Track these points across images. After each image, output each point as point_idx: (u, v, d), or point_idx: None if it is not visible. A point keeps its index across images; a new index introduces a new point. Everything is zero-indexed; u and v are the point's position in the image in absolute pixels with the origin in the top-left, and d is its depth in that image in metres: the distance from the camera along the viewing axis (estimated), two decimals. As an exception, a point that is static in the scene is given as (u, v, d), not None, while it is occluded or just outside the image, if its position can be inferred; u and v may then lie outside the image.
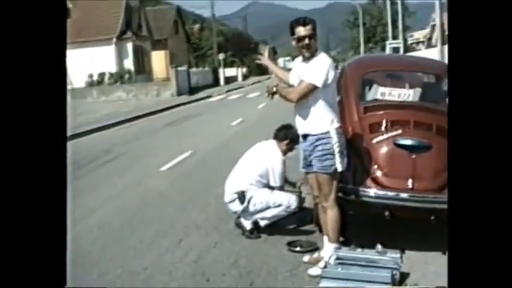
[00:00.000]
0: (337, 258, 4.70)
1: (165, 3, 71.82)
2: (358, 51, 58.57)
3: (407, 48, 44.58)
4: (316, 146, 4.84)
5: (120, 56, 36.93)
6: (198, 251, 5.67)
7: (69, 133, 13.01)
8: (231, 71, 57.86)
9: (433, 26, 50.15)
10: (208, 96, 34.53)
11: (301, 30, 4.75)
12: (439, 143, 5.05)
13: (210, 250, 5.69)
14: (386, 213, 5.08)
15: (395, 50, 37.42)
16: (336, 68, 5.19)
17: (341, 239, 5.12)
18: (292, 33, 4.80)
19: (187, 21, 67.03)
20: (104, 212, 7.61)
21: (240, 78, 58.60)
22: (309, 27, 4.74)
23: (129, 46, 37.58)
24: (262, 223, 5.97)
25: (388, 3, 47.67)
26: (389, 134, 5.21)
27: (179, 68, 36.85)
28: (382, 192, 5.07)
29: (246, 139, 12.71)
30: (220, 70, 51.92)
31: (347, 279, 4.47)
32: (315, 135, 4.83)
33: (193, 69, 45.12)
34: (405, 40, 46.59)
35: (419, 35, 71.51)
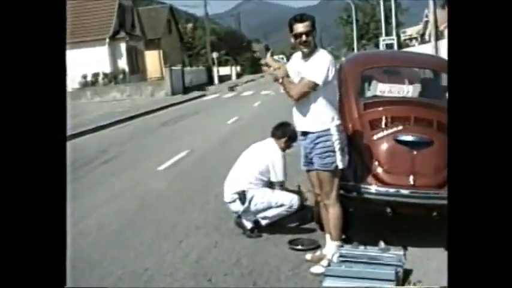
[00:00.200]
0: (340, 256, 4.68)
1: (157, 2, 71.87)
2: (352, 48, 58.64)
3: (400, 45, 44.67)
4: (317, 143, 4.81)
5: (114, 56, 36.79)
6: (199, 251, 5.63)
7: (64, 134, 12.92)
8: (224, 70, 57.85)
9: (426, 22, 50.28)
10: (203, 95, 34.48)
11: (299, 27, 4.72)
12: (440, 139, 5.03)
13: (211, 250, 5.65)
14: (388, 210, 5.07)
15: (389, 46, 37.52)
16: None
17: (343, 236, 5.10)
18: (291, 30, 4.77)
19: (180, 21, 66.99)
20: (103, 213, 7.56)
21: (234, 76, 58.57)
22: (307, 23, 4.71)
23: (123, 46, 37.44)
24: (264, 222, 5.94)
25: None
26: (390, 131, 5.19)
27: (173, 68, 36.77)
28: (383, 189, 5.06)
29: (242, 137, 12.73)
30: (214, 69, 51.90)
31: (351, 277, 4.44)
32: (315, 132, 4.81)
33: (187, 69, 45.03)
34: (398, 36, 46.67)
35: (412, 31, 71.65)
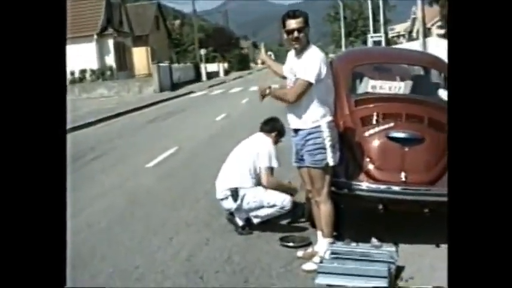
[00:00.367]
0: (333, 253, 4.67)
1: (145, -2, 71.41)
2: (340, 45, 58.77)
3: (388, 42, 44.81)
4: (308, 140, 4.80)
5: (101, 53, 36.59)
6: (190, 248, 5.61)
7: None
8: (212, 67, 57.72)
9: (414, 19, 50.50)
10: (191, 92, 34.38)
11: (291, 23, 4.70)
12: (431, 135, 5.04)
13: (202, 247, 5.62)
14: (380, 206, 5.06)
15: (377, 43, 37.56)
16: None
17: (334, 233, 5.09)
18: (284, 25, 4.75)
19: (168, 17, 66.85)
20: (92, 211, 7.50)
21: (221, 73, 58.47)
22: (299, 20, 4.69)
23: (110, 43, 37.26)
24: (255, 221, 5.91)
25: (369, -3, 47.87)
26: (382, 127, 5.18)
27: (161, 64, 36.65)
28: (374, 186, 5.05)
29: (231, 134, 12.71)
30: (202, 65, 51.79)
31: (343, 274, 4.43)
32: (306, 129, 4.79)
33: (175, 65, 44.89)
34: (386, 33, 46.82)
35: (400, 28, 72.05)
